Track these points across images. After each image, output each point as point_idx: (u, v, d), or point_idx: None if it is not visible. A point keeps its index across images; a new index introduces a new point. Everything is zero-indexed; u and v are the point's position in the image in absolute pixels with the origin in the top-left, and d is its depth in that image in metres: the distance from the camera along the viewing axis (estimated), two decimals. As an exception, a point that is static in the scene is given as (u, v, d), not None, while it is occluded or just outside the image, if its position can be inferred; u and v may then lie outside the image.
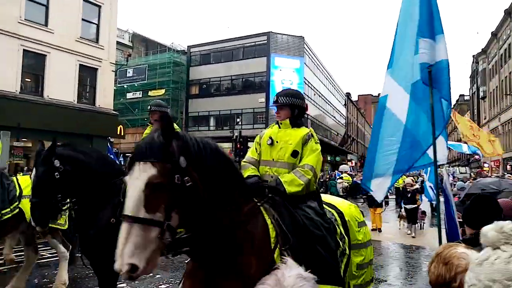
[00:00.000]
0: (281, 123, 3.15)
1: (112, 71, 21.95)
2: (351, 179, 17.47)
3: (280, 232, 2.42)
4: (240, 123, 31.13)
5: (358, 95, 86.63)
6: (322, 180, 18.60)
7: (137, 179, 1.93)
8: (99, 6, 20.74)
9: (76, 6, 19.39)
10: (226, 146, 31.50)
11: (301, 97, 3.18)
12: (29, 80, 18.36)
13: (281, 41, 35.87)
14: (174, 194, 1.97)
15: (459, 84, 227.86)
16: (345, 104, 57.07)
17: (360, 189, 16.82)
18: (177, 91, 37.85)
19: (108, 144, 18.80)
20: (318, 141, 3.09)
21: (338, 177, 22.54)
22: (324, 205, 3.07)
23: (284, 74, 35.03)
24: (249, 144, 23.02)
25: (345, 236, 3.05)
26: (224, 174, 2.32)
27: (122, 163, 18.37)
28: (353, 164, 43.24)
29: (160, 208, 1.93)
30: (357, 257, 3.14)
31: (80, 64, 19.66)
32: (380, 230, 12.27)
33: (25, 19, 17.33)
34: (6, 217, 5.01)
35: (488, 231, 1.35)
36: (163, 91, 37.03)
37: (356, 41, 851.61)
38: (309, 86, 37.51)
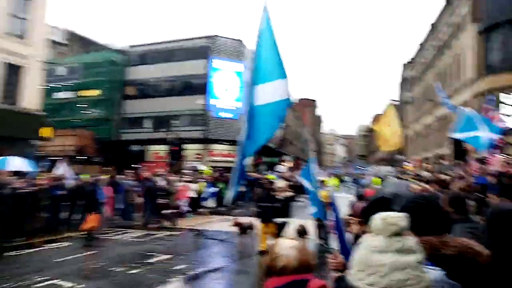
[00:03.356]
0: None
1: (42, 69, 20.84)
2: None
3: None
4: (177, 125, 30.81)
5: (296, 99, 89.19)
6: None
7: None
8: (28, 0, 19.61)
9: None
10: (162, 149, 31.23)
11: None
12: None
13: (221, 44, 36.07)
14: None
15: (391, 90, 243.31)
16: (284, 107, 58.34)
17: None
18: (113, 92, 36.62)
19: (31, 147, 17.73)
20: None
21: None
22: None
23: (225, 77, 35.33)
24: (185, 146, 23.03)
25: None
26: None
27: (47, 168, 17.53)
28: (289, 165, 44.52)
29: None
30: None
31: (3, 62, 18.47)
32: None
33: None
34: None
35: (375, 218, 1.42)
36: (98, 91, 35.71)
37: (297, 45, 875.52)
38: (248, 89, 38.14)
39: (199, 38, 36.29)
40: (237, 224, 9.99)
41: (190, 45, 36.40)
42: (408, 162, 42.87)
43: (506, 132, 14.10)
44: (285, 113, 3.59)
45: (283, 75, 3.59)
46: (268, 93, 3.65)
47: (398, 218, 1.39)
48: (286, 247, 1.63)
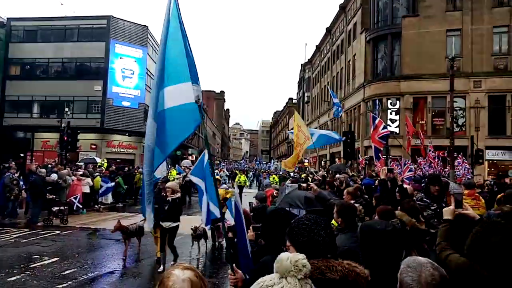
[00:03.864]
0: None
1: None
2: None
3: None
4: (70, 111, 28.28)
5: (202, 91, 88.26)
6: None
7: None
8: None
9: None
10: (53, 137, 28.45)
11: None
12: None
13: (123, 28, 33.99)
14: None
15: (290, 89, 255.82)
16: (188, 99, 57.67)
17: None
18: (-9, 70, 32.13)
19: None
20: None
21: (179, 173, 22.76)
22: None
23: (125, 63, 33.45)
24: (80, 136, 21.25)
25: None
26: None
27: None
28: (194, 159, 44.16)
29: None
30: None
31: None
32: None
33: None
34: None
35: (284, 259, 1.39)
36: (-30, 67, 31.01)
37: (203, 37, 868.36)
38: (151, 77, 36.57)
39: (98, 18, 33.73)
40: (120, 228, 8.41)
41: (88, 25, 33.64)
42: (306, 159, 45.98)
43: (389, 136, 15.84)
44: (198, 118, 3.35)
45: (194, 79, 3.38)
46: (176, 96, 3.41)
47: (305, 259, 1.41)
48: (179, 279, 1.53)
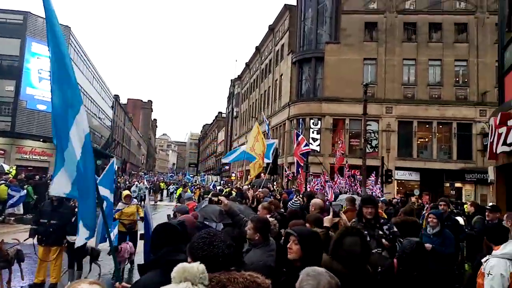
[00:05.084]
0: None
1: None
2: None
3: None
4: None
5: (128, 99, 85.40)
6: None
7: None
8: None
9: None
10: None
11: None
12: None
13: (42, 26, 31.73)
14: None
15: (220, 102, 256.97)
16: (112, 106, 55.37)
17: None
18: None
19: None
20: None
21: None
22: None
23: (43, 63, 31.14)
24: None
25: None
26: None
27: None
28: (116, 168, 42.18)
29: None
30: None
31: None
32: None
33: None
34: None
35: (190, 268, 1.46)
36: None
37: (130, 43, 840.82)
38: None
39: (14, 12, 31.28)
40: None
41: (1, 19, 31.05)
42: (233, 173, 46.45)
43: (309, 154, 16.67)
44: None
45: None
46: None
47: (202, 266, 1.50)
48: None
